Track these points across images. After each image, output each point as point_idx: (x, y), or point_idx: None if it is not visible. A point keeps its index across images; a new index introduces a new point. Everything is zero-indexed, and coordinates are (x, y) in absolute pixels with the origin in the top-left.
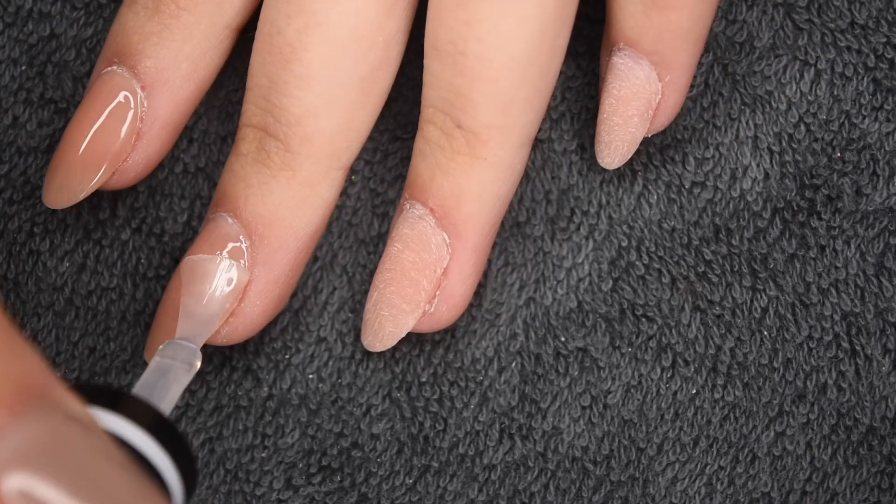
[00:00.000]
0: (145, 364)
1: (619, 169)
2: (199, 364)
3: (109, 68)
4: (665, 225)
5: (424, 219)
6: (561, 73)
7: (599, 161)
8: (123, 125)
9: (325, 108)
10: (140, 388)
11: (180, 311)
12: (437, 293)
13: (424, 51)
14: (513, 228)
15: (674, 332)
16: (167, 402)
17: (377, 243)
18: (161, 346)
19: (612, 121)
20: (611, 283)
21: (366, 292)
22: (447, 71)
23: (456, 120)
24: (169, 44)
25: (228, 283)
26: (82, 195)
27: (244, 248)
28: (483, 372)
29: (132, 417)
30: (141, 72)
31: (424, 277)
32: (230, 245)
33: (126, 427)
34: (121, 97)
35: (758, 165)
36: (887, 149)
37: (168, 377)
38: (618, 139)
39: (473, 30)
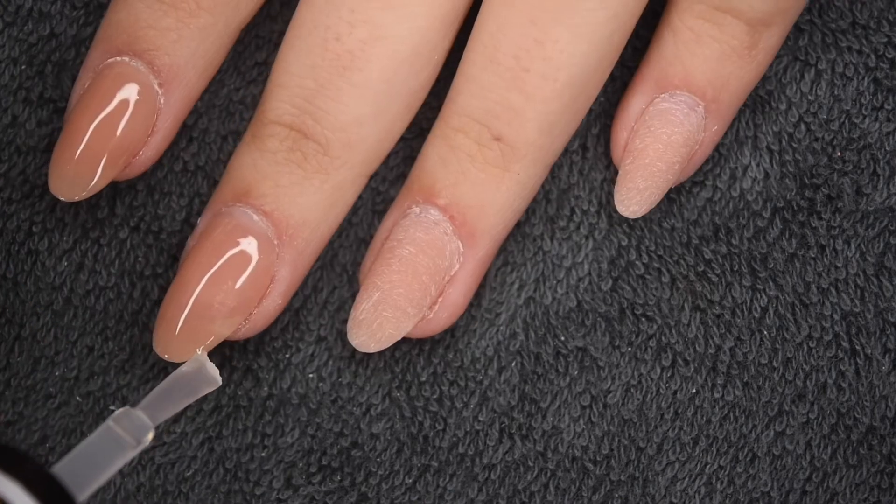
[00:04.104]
0: (144, 362)
1: None
2: (148, 441)
3: (120, 59)
4: (665, 224)
5: (440, 225)
6: None
7: (623, 209)
8: (140, 120)
9: (374, 118)
10: (81, 453)
11: (163, 384)
12: (440, 300)
13: (471, 60)
14: (513, 228)
15: (673, 331)
16: (103, 476)
17: None
18: (117, 412)
19: (655, 166)
20: (610, 282)
21: None
22: (502, 84)
23: (496, 132)
24: (188, 42)
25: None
26: (92, 190)
27: (261, 244)
28: (483, 371)
29: (41, 497)
30: (159, 68)
31: (434, 283)
32: (252, 239)
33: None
34: (137, 92)
35: (757, 165)
36: (888, 148)
37: (114, 449)
38: (654, 186)
39: (544, 49)
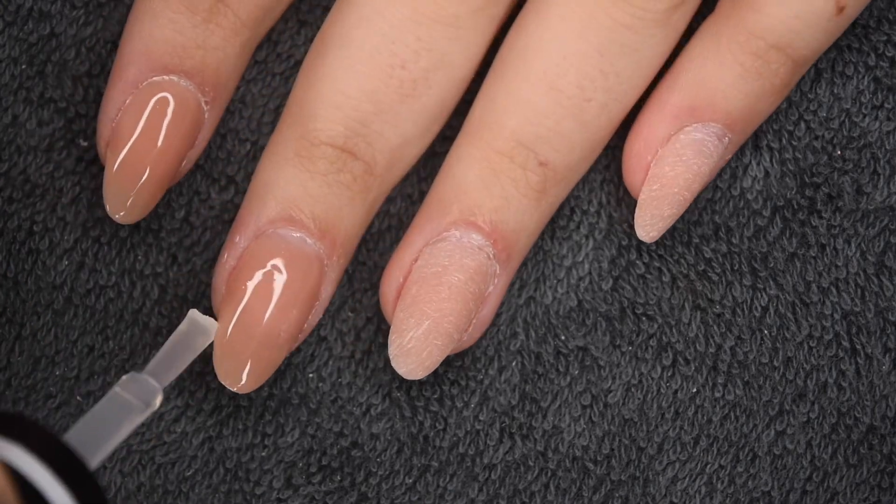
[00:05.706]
0: (144, 362)
1: (620, 168)
2: (157, 404)
3: (168, 78)
4: None
5: (484, 250)
6: None
7: (643, 234)
8: (189, 138)
9: (420, 139)
10: (91, 420)
11: (164, 347)
12: (474, 319)
13: (524, 84)
14: None
15: (674, 330)
16: (114, 441)
17: (377, 241)
18: (123, 378)
19: (682, 196)
20: (611, 281)
21: (366, 290)
22: (560, 112)
23: (543, 158)
24: (233, 60)
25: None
26: (148, 208)
27: (317, 268)
28: (483, 371)
29: (50, 462)
30: (209, 87)
31: (477, 308)
32: (309, 263)
33: (37, 470)
34: (187, 110)
35: (758, 164)
36: (888, 147)
37: (123, 414)
38: (676, 214)
39: (606, 80)
